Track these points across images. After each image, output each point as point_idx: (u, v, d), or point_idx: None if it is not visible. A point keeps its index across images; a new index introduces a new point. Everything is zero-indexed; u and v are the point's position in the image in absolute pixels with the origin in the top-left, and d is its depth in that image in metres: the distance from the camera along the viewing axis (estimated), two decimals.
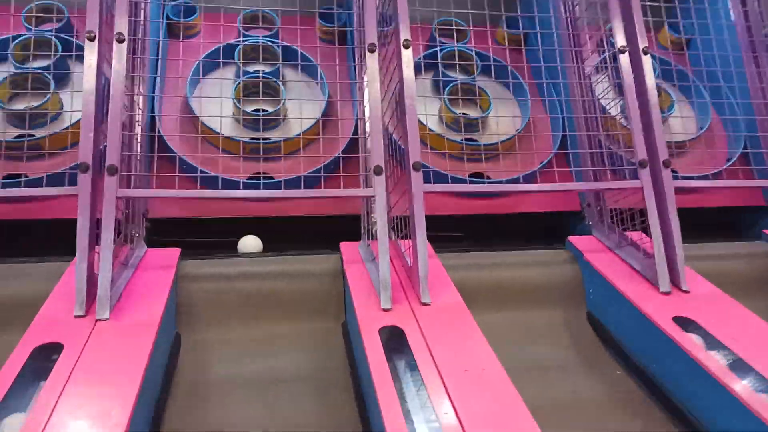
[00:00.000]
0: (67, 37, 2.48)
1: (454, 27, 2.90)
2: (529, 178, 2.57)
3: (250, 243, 2.41)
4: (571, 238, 2.39)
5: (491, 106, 2.68)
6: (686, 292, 2.06)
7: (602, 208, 2.44)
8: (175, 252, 2.11)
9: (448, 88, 2.67)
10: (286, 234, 2.54)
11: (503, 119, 2.67)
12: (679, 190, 2.19)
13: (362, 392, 1.73)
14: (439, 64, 2.70)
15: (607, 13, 2.36)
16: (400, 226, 2.15)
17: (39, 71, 2.40)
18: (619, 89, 2.35)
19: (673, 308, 1.94)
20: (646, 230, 2.17)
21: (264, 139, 2.48)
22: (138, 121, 2.16)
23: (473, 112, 2.75)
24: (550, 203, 2.57)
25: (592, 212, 2.48)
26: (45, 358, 1.54)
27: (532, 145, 2.62)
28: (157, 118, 2.35)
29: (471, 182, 2.35)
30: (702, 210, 2.68)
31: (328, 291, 2.13)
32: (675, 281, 2.09)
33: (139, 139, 2.17)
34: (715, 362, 1.70)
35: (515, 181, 2.48)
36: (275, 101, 2.58)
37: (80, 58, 2.51)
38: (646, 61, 2.26)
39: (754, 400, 1.54)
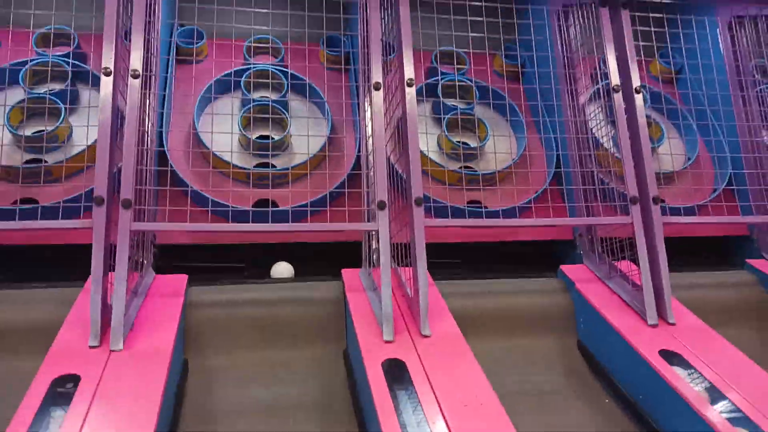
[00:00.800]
0: (78, 63, 2.54)
1: (454, 55, 2.98)
2: (525, 207, 2.66)
3: (282, 269, 2.48)
4: (564, 268, 2.48)
5: (488, 135, 2.77)
6: (672, 324, 2.16)
7: (593, 238, 2.54)
8: (182, 279, 2.18)
9: (447, 117, 2.76)
10: (288, 257, 2.62)
11: (501, 148, 2.76)
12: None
13: (365, 421, 1.81)
14: (440, 95, 2.78)
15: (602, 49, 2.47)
16: (401, 254, 2.23)
17: (53, 98, 2.45)
18: (611, 116, 2.47)
19: (660, 341, 2.05)
20: (635, 260, 2.28)
21: (269, 165, 2.56)
22: (148, 151, 2.22)
23: (471, 140, 2.84)
24: (544, 232, 2.67)
25: (584, 242, 2.58)
26: (63, 389, 1.61)
27: (528, 173, 2.72)
28: (165, 145, 2.41)
29: (470, 213, 2.44)
30: (688, 239, 2.78)
31: (329, 318, 2.21)
32: (662, 314, 2.19)
33: (148, 169, 2.24)
34: (695, 394, 1.80)
35: (512, 210, 2.57)
36: (280, 128, 2.65)
37: (89, 82, 2.62)
38: (638, 100, 2.36)
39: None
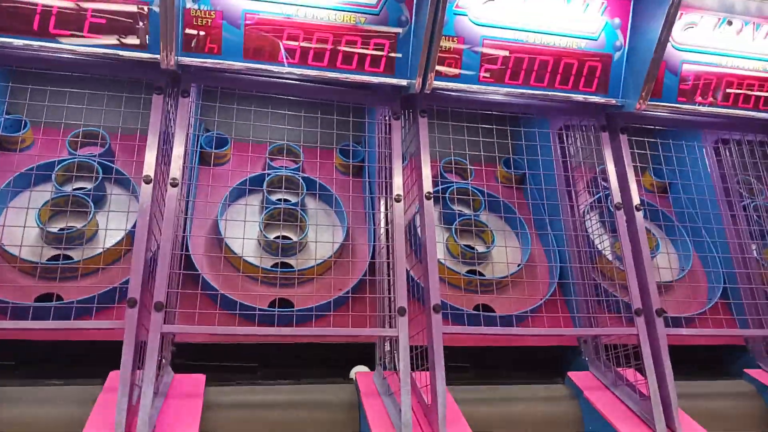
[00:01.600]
0: (119, 170, 2.67)
1: (460, 166, 3.18)
2: (533, 311, 2.77)
3: None
4: (571, 374, 2.55)
5: (494, 240, 2.92)
6: None
7: (598, 345, 2.63)
8: (200, 379, 2.21)
9: (455, 222, 2.91)
10: (295, 356, 2.66)
11: (506, 254, 2.89)
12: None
13: None
14: (449, 201, 2.95)
15: (601, 159, 2.67)
16: (415, 358, 2.28)
17: (82, 195, 2.56)
18: (611, 229, 2.63)
19: None
20: (640, 369, 2.36)
21: (287, 265, 2.66)
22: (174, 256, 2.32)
23: (477, 245, 2.97)
24: (550, 339, 2.75)
25: (588, 349, 2.66)
26: None
27: (535, 277, 2.85)
28: (190, 248, 2.51)
29: (485, 320, 2.54)
30: (685, 347, 2.87)
31: (344, 422, 2.23)
32: (669, 425, 2.24)
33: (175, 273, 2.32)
34: None
35: (521, 317, 2.67)
36: (298, 229, 2.77)
37: (118, 182, 2.75)
38: (639, 216, 2.53)
39: None
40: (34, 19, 2.17)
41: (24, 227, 2.31)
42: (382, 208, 2.64)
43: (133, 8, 2.19)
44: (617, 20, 2.61)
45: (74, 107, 2.41)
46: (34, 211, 2.48)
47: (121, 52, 2.21)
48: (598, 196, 2.95)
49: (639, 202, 2.56)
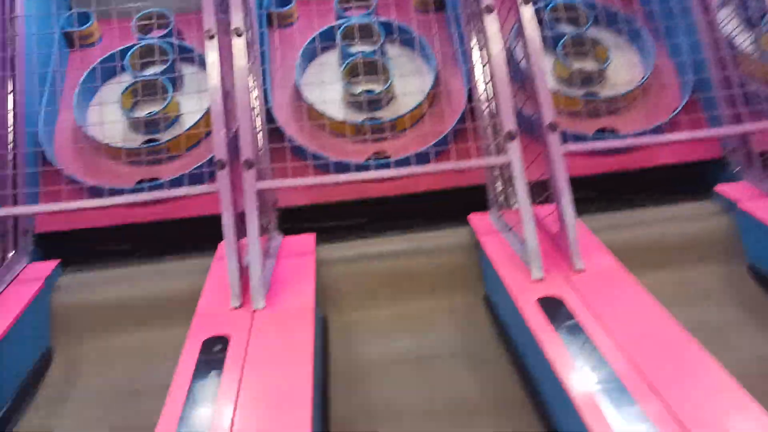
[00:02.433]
0: (178, 42, 2.53)
1: None
2: (659, 130, 2.39)
3: None
4: (720, 187, 2.19)
5: (609, 56, 2.51)
6: None
7: (750, 152, 2.23)
8: (310, 238, 2.12)
9: (561, 42, 2.53)
10: (403, 214, 2.50)
11: (624, 70, 2.49)
12: None
13: (526, 367, 1.66)
14: (546, 19, 2.56)
15: None
16: (533, 193, 2.04)
17: (157, 76, 2.47)
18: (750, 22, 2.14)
19: None
20: None
21: (377, 119, 2.45)
22: (257, 114, 2.17)
23: (590, 65, 2.58)
24: (687, 152, 2.38)
25: (739, 157, 2.27)
26: (213, 350, 1.57)
27: (659, 94, 2.44)
28: (272, 109, 2.36)
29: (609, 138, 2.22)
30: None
31: (463, 265, 2.08)
32: None
33: (259, 131, 2.19)
34: None
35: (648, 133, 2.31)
36: (383, 80, 2.53)
37: (188, 60, 2.62)
38: None
39: None
40: None
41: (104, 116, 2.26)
42: (473, 35, 2.31)
43: None
44: None
45: None
46: (116, 101, 2.42)
47: None
48: None
49: None
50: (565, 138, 2.22)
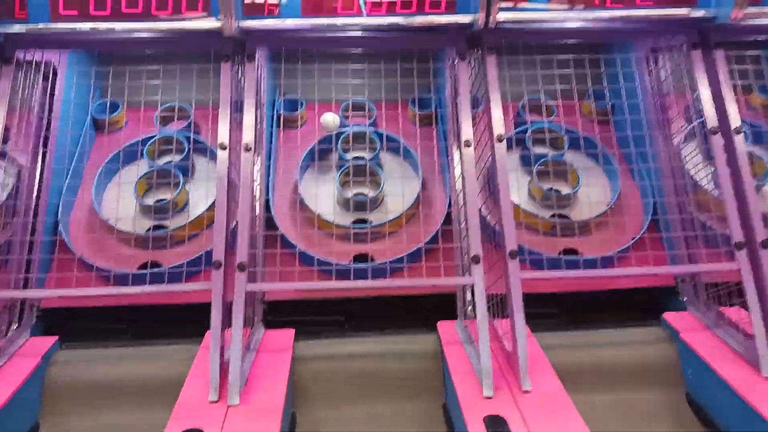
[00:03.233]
0: (190, 135, 2.81)
1: (543, 103, 3.01)
2: (623, 253, 2.62)
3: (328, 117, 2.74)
4: (667, 315, 2.40)
5: (580, 181, 2.77)
6: None
7: (697, 284, 2.45)
8: (289, 333, 2.32)
9: (537, 164, 2.78)
10: (383, 310, 2.71)
11: (594, 194, 2.74)
12: None
13: None
14: (529, 143, 2.83)
15: (694, 82, 2.42)
16: (497, 306, 2.25)
17: (170, 167, 2.73)
18: (708, 156, 2.39)
19: None
20: (745, 306, 2.17)
21: (365, 221, 2.69)
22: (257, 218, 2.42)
23: (563, 188, 2.84)
24: (643, 280, 2.60)
25: (687, 288, 2.49)
26: None
27: (624, 219, 2.68)
28: (272, 211, 2.60)
29: (566, 262, 2.44)
30: None
31: (428, 371, 2.26)
32: None
33: (258, 234, 2.43)
34: None
35: (609, 259, 2.54)
36: (374, 186, 2.78)
37: (201, 152, 2.90)
38: (739, 142, 2.29)
39: None
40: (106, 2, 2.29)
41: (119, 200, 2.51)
42: (456, 156, 2.58)
43: None
44: None
45: (161, 84, 2.53)
46: (131, 186, 2.67)
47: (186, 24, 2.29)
48: (697, 122, 2.69)
49: (739, 125, 2.31)
50: (531, 256, 2.47)
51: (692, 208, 2.50)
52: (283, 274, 2.32)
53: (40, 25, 2.30)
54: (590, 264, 2.52)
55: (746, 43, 2.53)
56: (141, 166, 2.81)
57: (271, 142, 2.88)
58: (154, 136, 2.85)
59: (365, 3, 2.34)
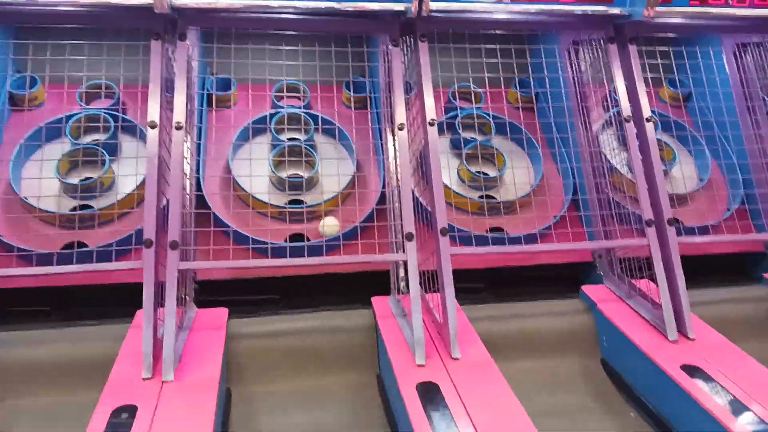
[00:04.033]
0: (118, 114, 2.73)
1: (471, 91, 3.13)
2: (545, 232, 2.78)
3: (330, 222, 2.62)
4: (585, 288, 2.58)
5: (506, 164, 2.91)
6: (692, 340, 2.24)
7: (612, 259, 2.64)
8: (223, 312, 2.32)
9: (466, 148, 2.90)
10: (319, 288, 2.75)
11: (519, 176, 2.88)
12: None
13: None
14: (459, 128, 2.93)
15: (610, 74, 2.60)
16: (428, 281, 2.34)
17: (95, 146, 2.65)
18: (623, 142, 2.59)
19: (681, 357, 2.13)
20: (653, 278, 2.37)
21: (300, 202, 2.71)
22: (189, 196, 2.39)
23: (490, 170, 2.97)
24: (564, 255, 2.77)
25: (603, 263, 2.68)
26: (122, 418, 1.74)
27: (547, 198, 2.84)
28: (203, 189, 2.57)
29: (493, 240, 2.56)
30: (708, 257, 2.86)
31: (362, 344, 2.33)
32: (682, 330, 2.27)
33: (189, 212, 2.40)
34: (719, 407, 1.87)
35: (533, 236, 2.69)
36: (309, 167, 2.81)
37: (128, 130, 2.82)
38: (649, 128, 2.48)
39: None
40: None
41: (41, 179, 2.41)
42: (390, 139, 2.65)
43: None
44: None
45: (82, 59, 2.43)
46: (53, 164, 2.57)
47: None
48: (613, 111, 2.89)
49: (650, 114, 2.51)
50: (461, 233, 2.57)
51: (608, 189, 2.69)
52: (216, 252, 2.31)
53: None
54: (515, 241, 2.66)
55: (658, 39, 2.74)
56: (64, 145, 2.70)
57: (201, 121, 2.84)
58: (79, 113, 2.75)
59: None
